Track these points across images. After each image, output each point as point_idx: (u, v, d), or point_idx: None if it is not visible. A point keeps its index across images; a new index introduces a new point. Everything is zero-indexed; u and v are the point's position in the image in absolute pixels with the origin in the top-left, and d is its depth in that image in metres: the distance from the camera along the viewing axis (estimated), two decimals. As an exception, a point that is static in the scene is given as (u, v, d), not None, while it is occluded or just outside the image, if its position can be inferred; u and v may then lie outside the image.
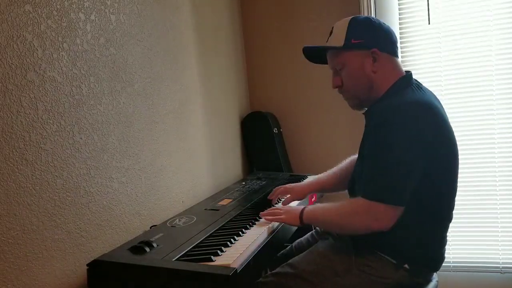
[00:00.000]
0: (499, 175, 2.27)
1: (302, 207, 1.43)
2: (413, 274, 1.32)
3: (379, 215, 1.22)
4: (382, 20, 1.44)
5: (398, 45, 1.44)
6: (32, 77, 1.19)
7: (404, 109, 1.26)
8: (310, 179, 1.90)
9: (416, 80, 1.42)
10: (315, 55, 1.50)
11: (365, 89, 1.39)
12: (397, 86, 1.36)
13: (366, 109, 1.45)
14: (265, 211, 1.51)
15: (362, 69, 1.37)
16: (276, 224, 1.48)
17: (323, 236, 1.54)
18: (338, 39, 1.39)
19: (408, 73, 1.40)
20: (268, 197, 1.72)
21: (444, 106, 1.40)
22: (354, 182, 1.44)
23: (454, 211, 1.38)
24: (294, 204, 1.66)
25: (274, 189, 1.72)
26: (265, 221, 1.48)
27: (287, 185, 1.71)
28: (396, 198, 1.22)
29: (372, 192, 1.24)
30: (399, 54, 1.45)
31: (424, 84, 1.40)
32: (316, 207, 1.42)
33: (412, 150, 1.22)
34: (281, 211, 1.46)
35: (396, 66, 1.40)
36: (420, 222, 1.30)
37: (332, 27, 1.44)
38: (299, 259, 1.43)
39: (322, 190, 1.76)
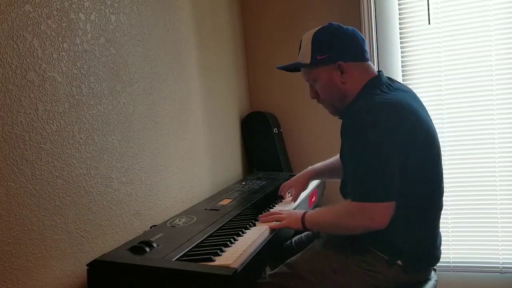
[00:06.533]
0: (499, 175, 2.27)
1: (303, 211, 1.45)
2: (408, 270, 1.32)
3: (372, 214, 1.25)
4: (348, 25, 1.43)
5: (367, 43, 1.45)
6: (32, 77, 1.19)
7: (370, 110, 1.28)
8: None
9: (388, 79, 1.44)
10: (291, 68, 1.52)
11: (339, 99, 1.43)
12: (364, 90, 1.38)
13: None
14: (264, 215, 1.51)
15: (332, 82, 1.41)
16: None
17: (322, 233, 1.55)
18: (305, 56, 1.43)
19: (378, 74, 1.42)
20: (281, 194, 1.80)
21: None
22: (345, 185, 1.46)
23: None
24: (290, 207, 1.67)
25: (281, 187, 1.81)
26: None
27: (285, 183, 1.80)
28: (383, 194, 1.24)
29: (360, 194, 1.27)
30: (373, 54, 1.45)
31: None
32: (316, 212, 1.45)
33: (385, 146, 1.24)
34: (282, 216, 1.47)
35: (364, 71, 1.41)
36: (408, 215, 1.30)
37: (301, 40, 1.46)
38: (297, 259, 1.44)
39: (319, 177, 1.82)
